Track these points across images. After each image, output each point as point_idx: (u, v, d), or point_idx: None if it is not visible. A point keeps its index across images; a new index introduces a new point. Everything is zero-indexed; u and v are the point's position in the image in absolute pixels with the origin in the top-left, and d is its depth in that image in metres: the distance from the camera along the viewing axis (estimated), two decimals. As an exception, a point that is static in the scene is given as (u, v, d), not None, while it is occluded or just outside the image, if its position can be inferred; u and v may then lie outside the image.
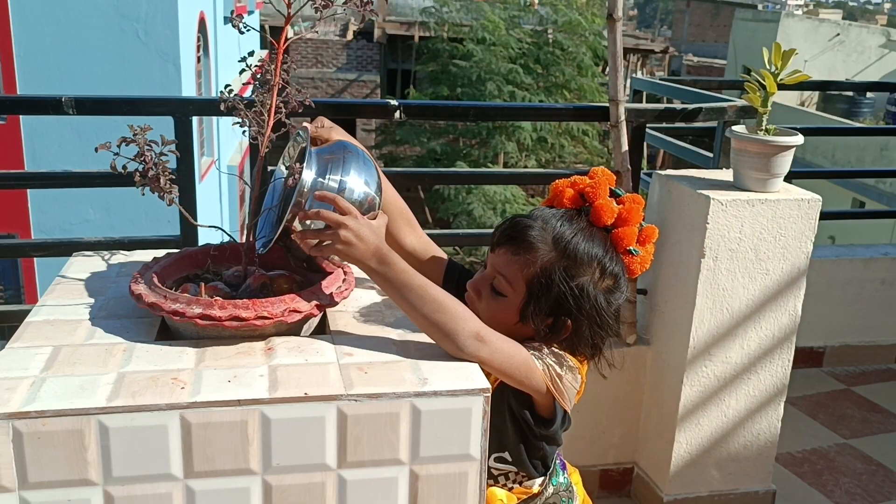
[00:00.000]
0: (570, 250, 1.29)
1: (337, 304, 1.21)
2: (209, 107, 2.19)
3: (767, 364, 2.30)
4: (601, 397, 2.40)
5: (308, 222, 1.16)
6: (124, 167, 1.17)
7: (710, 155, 3.00)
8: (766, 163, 2.12)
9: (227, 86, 1.38)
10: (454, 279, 1.44)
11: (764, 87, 2.11)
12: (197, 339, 1.15)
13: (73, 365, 1.07)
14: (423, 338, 1.19)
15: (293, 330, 1.19)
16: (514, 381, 1.23)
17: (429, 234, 1.50)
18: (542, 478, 1.38)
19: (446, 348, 1.16)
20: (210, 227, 1.28)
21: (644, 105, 2.50)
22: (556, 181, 1.39)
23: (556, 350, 1.31)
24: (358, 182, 1.20)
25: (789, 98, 16.38)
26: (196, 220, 2.04)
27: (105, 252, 1.50)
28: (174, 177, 1.20)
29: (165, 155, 1.20)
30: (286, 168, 1.31)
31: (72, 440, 0.98)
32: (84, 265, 1.43)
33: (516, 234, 1.32)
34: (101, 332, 1.16)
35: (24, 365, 1.06)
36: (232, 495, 1.03)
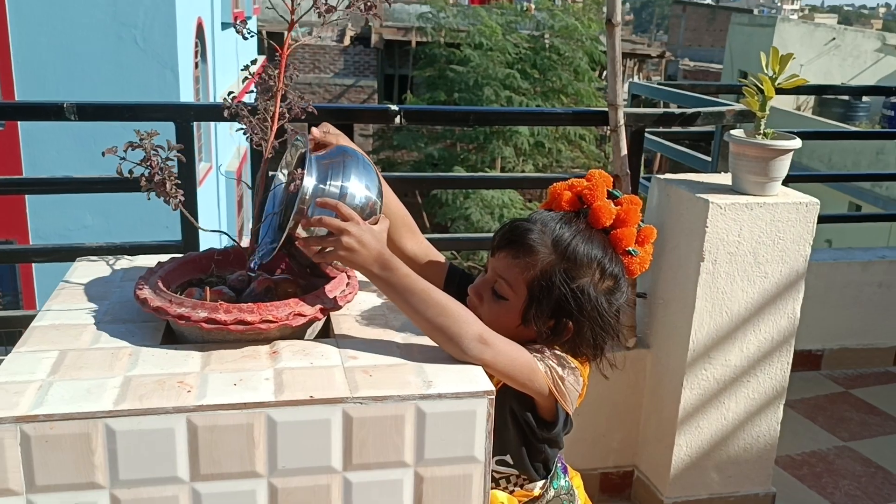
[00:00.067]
0: (569, 252, 1.30)
1: (341, 307, 1.21)
2: (210, 112, 2.20)
3: (767, 367, 2.31)
4: (601, 401, 2.40)
5: (311, 229, 1.16)
6: (130, 172, 1.18)
7: (708, 158, 3.02)
8: (765, 166, 2.13)
9: (230, 92, 1.39)
10: (455, 283, 1.45)
11: (762, 91, 2.12)
12: (202, 342, 1.16)
13: (80, 369, 1.07)
14: (426, 341, 1.20)
15: (297, 333, 1.20)
16: (517, 383, 1.24)
17: (428, 239, 1.50)
18: (544, 481, 1.39)
19: (450, 351, 1.16)
20: (214, 231, 1.29)
21: (643, 109, 2.52)
22: (554, 184, 1.40)
23: (559, 352, 1.31)
24: (359, 187, 1.20)
25: (785, 102, 16.43)
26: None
27: (108, 257, 1.50)
28: (179, 181, 1.21)
29: (171, 160, 1.21)
30: (286, 174, 1.31)
31: (79, 443, 0.98)
32: (88, 270, 1.44)
33: (516, 237, 1.33)
34: (107, 336, 1.17)
35: (31, 369, 1.07)
36: (238, 498, 1.04)
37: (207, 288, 1.22)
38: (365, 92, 18.50)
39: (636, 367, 2.44)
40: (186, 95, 8.44)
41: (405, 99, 15.73)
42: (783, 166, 2.15)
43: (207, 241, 2.21)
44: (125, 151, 1.17)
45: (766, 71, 2.11)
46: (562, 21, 14.59)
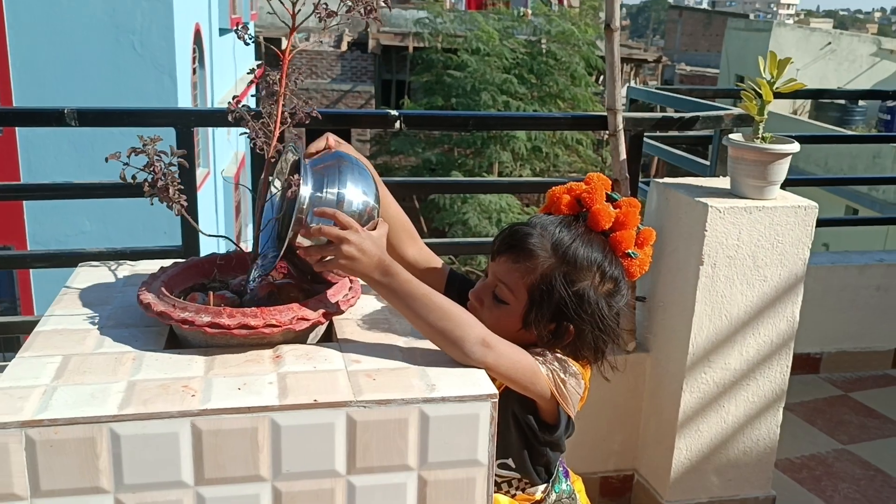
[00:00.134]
0: (569, 256, 1.31)
1: (343, 312, 1.22)
2: (211, 118, 2.21)
3: (766, 370, 2.31)
4: (601, 404, 2.41)
5: (312, 237, 1.16)
6: (133, 177, 1.18)
7: (705, 162, 3.02)
8: (763, 170, 2.14)
9: (234, 96, 1.39)
10: (455, 288, 1.45)
11: (760, 95, 2.13)
12: (205, 347, 1.17)
13: (84, 374, 1.08)
14: (429, 345, 1.21)
15: (300, 338, 1.20)
16: (519, 386, 1.25)
17: (427, 244, 1.51)
18: (545, 485, 1.39)
19: (453, 355, 1.17)
20: (216, 236, 1.29)
21: (642, 114, 2.52)
22: (553, 188, 1.41)
23: (560, 356, 1.32)
24: (356, 193, 1.20)
25: (782, 106, 16.47)
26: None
27: (110, 262, 1.51)
28: (182, 187, 1.22)
29: (174, 165, 1.21)
30: (281, 182, 1.31)
31: (84, 448, 0.99)
32: (90, 276, 1.44)
33: (516, 242, 1.33)
34: (110, 341, 1.17)
35: (35, 374, 1.07)
36: (242, 502, 1.04)
37: (211, 292, 1.23)
38: (362, 97, 18.52)
39: (636, 370, 2.44)
40: (184, 101, 8.45)
41: (402, 104, 15.75)
42: (782, 170, 2.15)
43: (207, 246, 2.21)
44: (128, 157, 1.17)
45: (763, 75, 2.12)
46: (558, 26, 14.62)
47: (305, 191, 1.15)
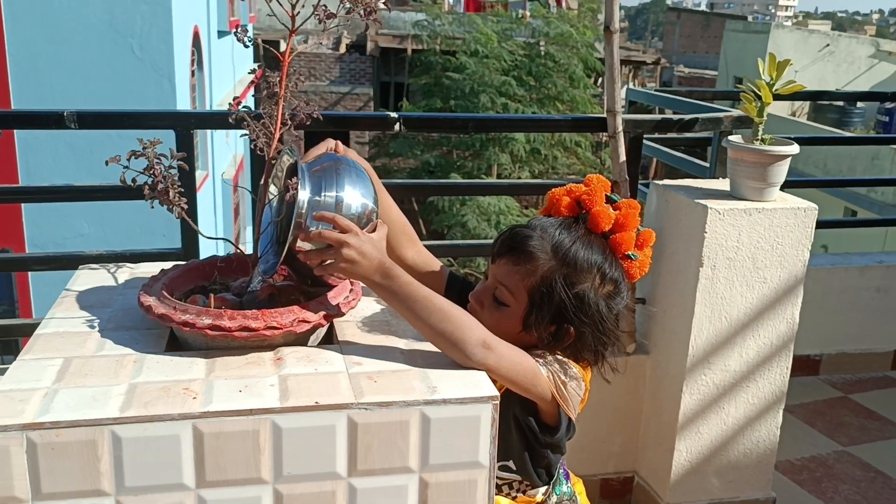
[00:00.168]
0: (569, 258, 1.31)
1: (344, 314, 1.22)
2: (210, 120, 2.20)
3: (766, 372, 2.31)
4: (601, 406, 2.41)
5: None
6: (133, 180, 1.18)
7: (704, 164, 3.03)
8: (763, 172, 2.14)
9: (234, 97, 1.39)
10: (455, 291, 1.45)
11: (759, 97, 2.13)
12: (206, 349, 1.16)
13: (85, 376, 1.07)
14: (429, 347, 1.21)
15: (301, 340, 1.20)
16: (520, 388, 1.25)
17: (426, 246, 1.51)
18: (546, 487, 1.39)
19: (454, 357, 1.17)
20: (217, 238, 1.29)
21: (641, 116, 2.53)
22: (553, 190, 1.41)
23: (561, 357, 1.32)
24: (354, 195, 1.20)
25: (780, 108, 16.49)
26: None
27: (110, 265, 1.51)
28: (182, 190, 1.22)
29: (174, 168, 1.21)
30: (276, 186, 1.30)
31: (85, 451, 0.98)
32: (90, 278, 1.44)
33: (516, 244, 1.33)
34: (111, 343, 1.17)
35: (36, 377, 1.07)
36: (243, 504, 1.04)
37: (212, 295, 1.23)
38: (361, 100, 18.52)
39: (636, 372, 2.44)
40: (183, 103, 8.44)
41: (401, 106, 15.75)
42: (781, 172, 2.16)
43: (207, 248, 2.21)
44: (128, 160, 1.17)
45: (763, 77, 2.13)
46: (557, 28, 14.63)
47: (304, 195, 1.15)
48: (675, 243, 2.27)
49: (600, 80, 16.09)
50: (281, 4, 1.23)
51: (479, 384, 1.11)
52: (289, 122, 1.26)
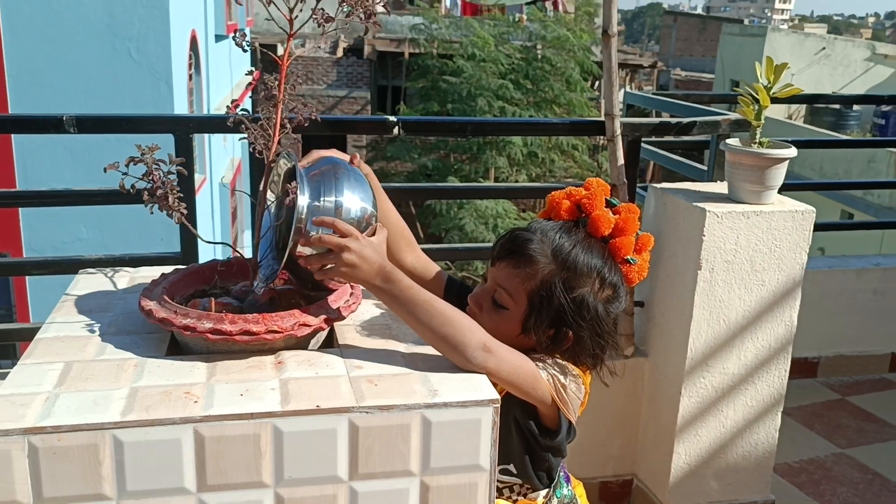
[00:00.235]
0: (569, 262, 1.31)
1: (345, 318, 1.22)
2: (209, 124, 2.21)
3: (764, 374, 2.32)
4: (600, 409, 2.41)
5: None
6: (133, 187, 1.18)
7: (702, 167, 3.03)
8: (761, 175, 2.15)
9: (233, 100, 1.40)
10: (453, 295, 1.46)
11: (757, 100, 2.14)
12: (206, 353, 1.17)
13: (86, 380, 1.08)
14: (430, 350, 1.21)
15: (302, 344, 1.20)
16: (520, 391, 1.25)
17: (424, 249, 1.51)
18: (547, 490, 1.39)
19: (454, 360, 1.17)
20: (216, 243, 1.29)
21: (639, 119, 2.53)
22: (552, 193, 1.41)
23: (560, 361, 1.32)
24: (353, 199, 1.20)
25: (777, 111, 16.53)
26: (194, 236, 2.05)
27: (110, 269, 1.51)
28: (182, 195, 1.22)
29: (173, 173, 1.21)
30: (275, 192, 1.31)
31: (86, 455, 0.99)
32: (90, 282, 1.44)
33: (516, 247, 1.34)
34: (112, 347, 1.18)
35: (37, 381, 1.07)
36: (245, 508, 1.04)
37: (212, 299, 1.23)
38: (358, 103, 18.54)
39: (634, 375, 2.45)
40: (180, 107, 8.44)
41: (398, 110, 15.77)
42: (779, 175, 2.16)
43: (205, 252, 2.22)
44: (127, 166, 1.17)
45: (760, 80, 2.13)
46: (554, 32, 14.66)
47: (303, 200, 1.15)
48: (674, 246, 2.27)
49: (597, 83, 16.13)
50: (279, 8, 1.23)
51: (479, 387, 1.12)
52: (287, 125, 1.27)
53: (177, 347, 1.21)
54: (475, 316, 1.33)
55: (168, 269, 1.34)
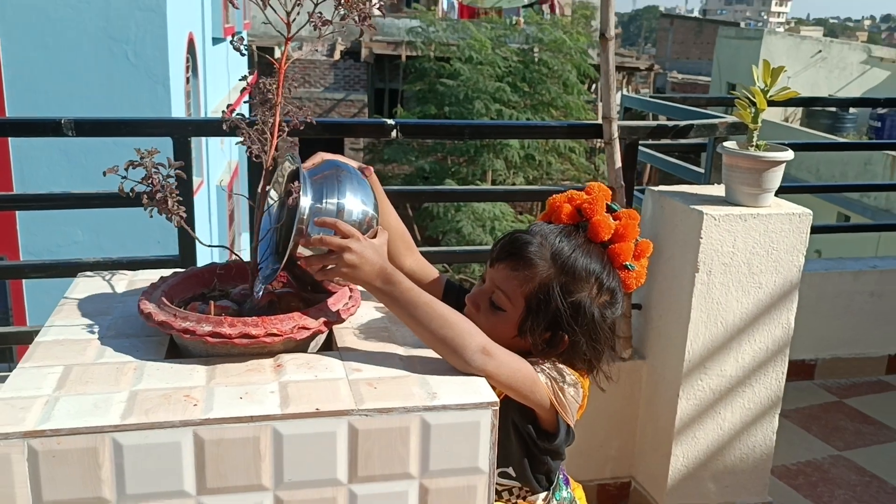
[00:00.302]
0: (568, 266, 1.31)
1: (344, 320, 1.22)
2: (208, 127, 2.21)
3: (762, 377, 2.32)
4: (598, 412, 2.41)
5: (313, 247, 1.17)
6: (132, 189, 1.18)
7: (699, 170, 3.04)
8: (758, 178, 2.15)
9: (228, 105, 1.40)
10: (452, 298, 1.46)
11: (754, 103, 2.15)
12: (206, 356, 1.17)
13: (86, 384, 1.08)
14: (428, 353, 1.21)
15: (301, 347, 1.20)
16: (519, 395, 1.25)
17: (422, 252, 1.52)
18: (546, 493, 1.39)
19: (453, 363, 1.17)
20: (216, 246, 1.29)
21: (637, 122, 2.54)
22: (554, 196, 1.41)
23: (559, 364, 1.32)
24: (355, 202, 1.21)
25: (773, 114, 16.56)
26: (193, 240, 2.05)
27: (108, 273, 1.51)
28: (181, 198, 1.22)
29: (172, 177, 1.21)
30: (279, 191, 1.31)
31: (86, 458, 0.99)
32: (89, 286, 1.44)
33: (515, 249, 1.34)
34: (111, 350, 1.18)
35: (36, 384, 1.07)
36: (244, 511, 1.04)
37: (212, 302, 1.23)
38: (355, 106, 18.55)
39: (632, 377, 2.45)
40: (178, 110, 8.44)
41: (395, 113, 15.79)
42: (776, 177, 2.17)
43: (203, 255, 2.21)
44: (126, 170, 1.17)
45: (757, 83, 2.14)
46: (550, 35, 14.69)
47: (305, 202, 1.16)
48: (671, 249, 2.28)
49: (594, 86, 16.15)
50: (276, 12, 1.24)
51: (478, 390, 1.12)
52: (285, 128, 1.27)
53: (176, 351, 1.21)
54: (472, 316, 1.33)
55: (167, 272, 1.34)
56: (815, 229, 2.35)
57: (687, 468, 2.36)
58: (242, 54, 1.30)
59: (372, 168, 1.34)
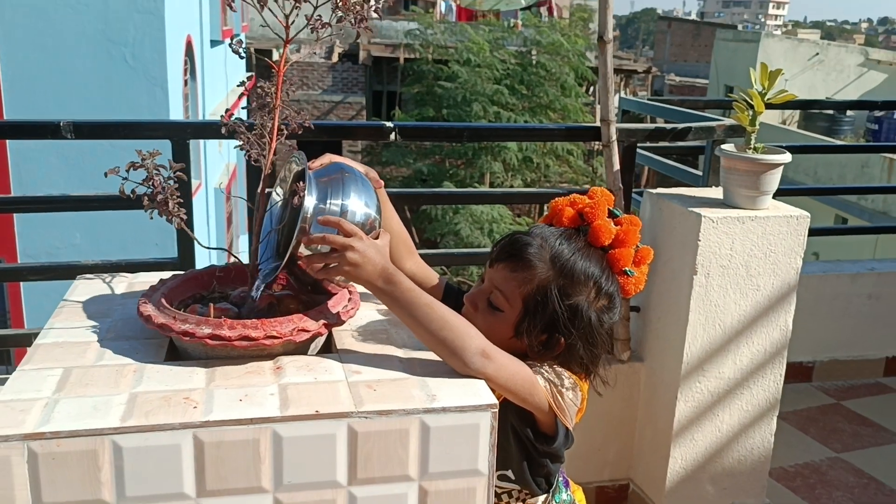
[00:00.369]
0: (567, 269, 1.31)
1: (343, 322, 1.22)
2: (207, 130, 2.21)
3: (760, 379, 2.33)
4: (596, 414, 2.41)
5: (315, 246, 1.17)
6: (133, 191, 1.19)
7: (697, 172, 3.05)
8: (756, 180, 2.16)
9: (226, 109, 1.40)
10: (451, 301, 1.46)
11: (752, 106, 2.15)
12: (205, 359, 1.17)
13: (86, 386, 1.08)
14: (428, 355, 1.21)
15: (301, 349, 1.20)
16: (517, 397, 1.25)
17: (421, 254, 1.52)
18: (545, 495, 1.39)
19: (453, 365, 1.18)
20: (217, 248, 1.30)
21: (635, 125, 2.54)
22: (556, 199, 1.42)
23: (557, 368, 1.32)
24: (359, 204, 1.22)
25: (771, 117, 16.59)
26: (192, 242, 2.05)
27: (107, 275, 1.51)
28: (182, 200, 1.22)
29: (172, 178, 1.22)
30: (282, 191, 1.32)
31: (86, 460, 0.99)
32: (88, 288, 1.44)
33: (515, 250, 1.34)
34: (111, 353, 1.18)
35: (36, 387, 1.07)
36: (244, 513, 1.05)
37: (212, 304, 1.23)
38: (353, 108, 18.56)
39: (631, 380, 2.45)
40: (176, 113, 8.44)
41: (393, 115, 15.79)
42: (774, 180, 2.17)
43: (202, 257, 2.22)
44: (127, 171, 1.17)
45: (755, 86, 2.14)
46: (548, 37, 14.70)
47: (309, 201, 1.16)
48: (669, 251, 2.28)
49: (591, 88, 16.17)
50: (274, 14, 1.24)
51: (478, 392, 1.12)
52: (284, 130, 1.27)
53: (175, 353, 1.21)
54: (470, 316, 1.33)
55: (166, 274, 1.34)
56: (813, 232, 2.35)
57: (685, 470, 2.36)
58: (241, 57, 1.31)
59: (383, 182, 1.35)
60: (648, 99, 3.64)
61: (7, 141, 7.47)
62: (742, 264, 2.20)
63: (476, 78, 13.94)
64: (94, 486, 0.99)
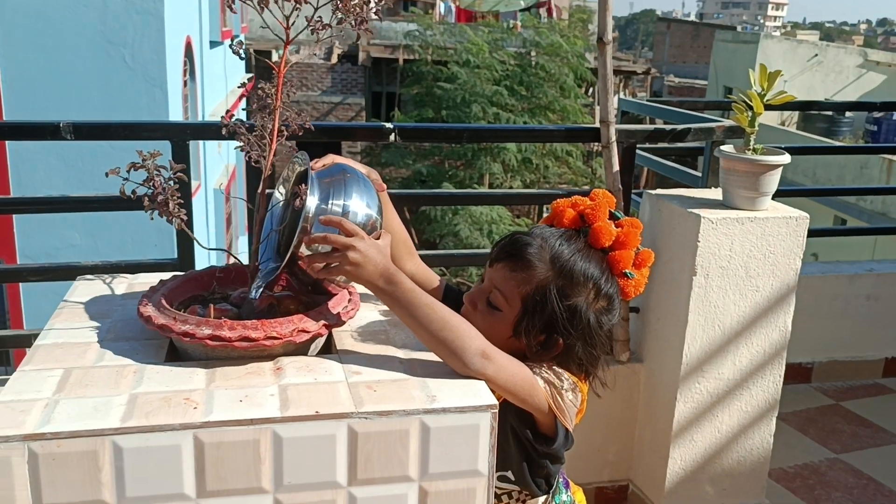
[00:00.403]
0: (566, 270, 1.31)
1: (344, 323, 1.23)
2: (206, 131, 2.21)
3: (759, 380, 2.33)
4: (595, 415, 2.40)
5: (316, 246, 1.17)
6: (133, 192, 1.19)
7: (696, 173, 3.05)
8: (755, 181, 2.16)
9: (227, 110, 1.40)
10: (451, 303, 1.46)
11: (751, 107, 2.15)
12: (205, 360, 1.17)
13: (86, 387, 1.08)
14: (428, 356, 1.22)
15: (301, 350, 1.21)
16: (517, 398, 1.25)
17: (420, 255, 1.52)
18: (545, 496, 1.39)
19: (452, 365, 1.18)
20: (217, 249, 1.30)
21: (634, 126, 2.54)
22: (558, 200, 1.42)
23: (557, 369, 1.33)
24: (360, 205, 1.22)
25: (770, 118, 16.60)
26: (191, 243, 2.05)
27: (107, 276, 1.51)
28: (182, 201, 1.22)
29: (173, 179, 1.22)
30: (284, 191, 1.32)
31: (86, 461, 0.99)
32: (88, 289, 1.44)
33: (515, 250, 1.34)
34: (111, 354, 1.18)
35: (36, 387, 1.07)
36: (244, 514, 1.05)
37: (212, 305, 1.23)
38: (353, 109, 18.56)
39: (630, 380, 2.46)
40: (175, 114, 8.44)
41: (393, 116, 15.80)
42: (773, 181, 2.18)
43: (202, 258, 2.22)
44: (128, 172, 1.18)
45: (754, 87, 2.15)
46: (548, 38, 14.71)
47: (312, 201, 1.17)
48: (669, 252, 2.28)
49: (591, 89, 16.18)
50: (274, 15, 1.24)
51: (478, 393, 1.12)
52: (284, 131, 1.27)
53: (176, 354, 1.21)
54: (469, 315, 1.33)
55: (166, 275, 1.34)
56: (812, 233, 2.36)
57: (685, 471, 2.36)
58: (241, 58, 1.31)
59: (385, 186, 1.35)
60: (647, 100, 3.64)
61: (6, 142, 7.46)
62: (741, 265, 2.21)
63: (475, 79, 13.95)
64: (95, 486, 1.00)
